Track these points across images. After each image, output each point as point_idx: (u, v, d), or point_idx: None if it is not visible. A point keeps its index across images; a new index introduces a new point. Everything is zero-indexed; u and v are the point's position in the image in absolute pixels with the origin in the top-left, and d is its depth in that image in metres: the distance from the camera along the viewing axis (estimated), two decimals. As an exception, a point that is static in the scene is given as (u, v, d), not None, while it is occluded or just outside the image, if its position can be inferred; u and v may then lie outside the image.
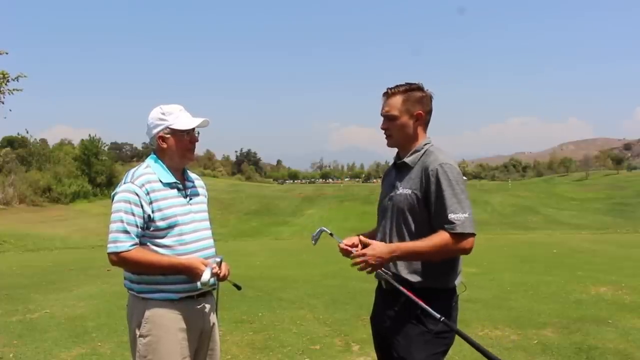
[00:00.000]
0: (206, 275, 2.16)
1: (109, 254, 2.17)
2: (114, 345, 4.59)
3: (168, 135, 2.29)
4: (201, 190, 2.47)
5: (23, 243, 19.97)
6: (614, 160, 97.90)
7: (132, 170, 2.30)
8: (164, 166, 2.30)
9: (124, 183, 2.23)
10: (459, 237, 2.06)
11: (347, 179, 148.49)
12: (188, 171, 2.46)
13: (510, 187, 72.56)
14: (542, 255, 10.58)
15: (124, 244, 2.13)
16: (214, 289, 2.37)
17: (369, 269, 2.12)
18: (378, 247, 2.13)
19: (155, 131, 2.30)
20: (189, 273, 2.17)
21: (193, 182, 2.44)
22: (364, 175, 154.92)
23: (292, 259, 10.95)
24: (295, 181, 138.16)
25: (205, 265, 2.16)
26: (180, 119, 2.29)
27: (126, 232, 2.14)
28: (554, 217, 41.00)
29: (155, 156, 2.33)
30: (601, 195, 55.35)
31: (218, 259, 2.29)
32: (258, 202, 56.00)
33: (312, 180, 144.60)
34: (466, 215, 2.07)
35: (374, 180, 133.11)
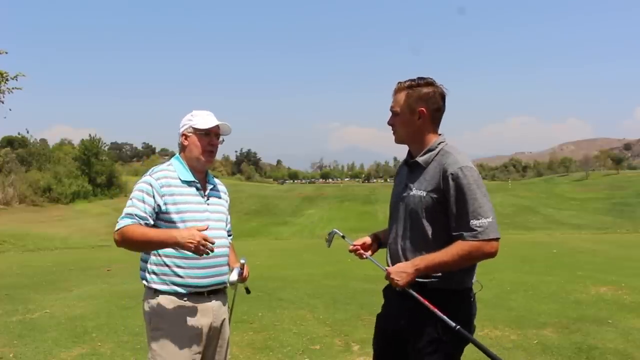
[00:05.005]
0: (234, 276, 2.36)
1: (114, 236, 2.25)
2: (114, 345, 4.59)
3: (190, 134, 2.42)
4: (222, 195, 2.58)
5: (23, 243, 19.94)
6: (614, 160, 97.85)
7: (155, 166, 2.46)
8: (185, 165, 2.43)
9: (144, 176, 2.39)
10: (483, 243, 2.00)
11: (347, 179, 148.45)
12: (211, 175, 2.56)
13: (510, 187, 72.53)
14: (542, 255, 10.59)
15: (125, 221, 2.23)
16: (225, 287, 2.46)
17: (400, 285, 2.08)
18: (401, 264, 2.12)
19: (181, 130, 2.46)
20: (185, 238, 2.12)
21: (215, 185, 2.54)
22: (364, 175, 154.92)
23: (292, 259, 10.96)
24: (295, 181, 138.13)
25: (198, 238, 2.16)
26: (204, 120, 2.41)
27: (131, 214, 2.24)
28: (554, 217, 40.98)
29: (178, 156, 2.48)
30: (601, 195, 55.34)
31: (242, 261, 2.44)
32: (258, 202, 56.01)
33: (312, 180, 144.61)
34: (489, 220, 2.01)
35: (374, 180, 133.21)
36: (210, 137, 2.42)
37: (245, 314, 5.59)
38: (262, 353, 4.39)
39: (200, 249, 2.12)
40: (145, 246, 2.28)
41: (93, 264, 10.27)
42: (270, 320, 5.39)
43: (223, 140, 2.50)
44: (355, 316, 5.42)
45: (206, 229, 2.18)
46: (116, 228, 2.23)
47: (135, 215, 2.23)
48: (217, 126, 2.43)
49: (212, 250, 2.16)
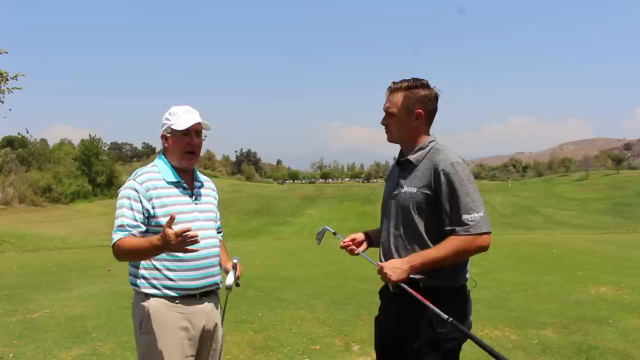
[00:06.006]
0: (230, 279, 2.30)
1: (112, 250, 2.22)
2: (114, 345, 4.59)
3: (169, 135, 2.33)
4: (210, 192, 2.49)
5: (23, 243, 19.96)
6: (614, 160, 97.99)
7: (139, 168, 2.37)
8: (170, 165, 2.34)
9: (128, 181, 2.30)
10: (475, 236, 2.03)
11: (347, 179, 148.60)
12: (198, 172, 2.48)
13: (510, 187, 72.72)
14: (542, 255, 10.57)
15: (117, 235, 2.18)
16: (217, 288, 2.40)
17: (393, 280, 2.07)
18: (396, 260, 2.12)
19: (161, 130, 2.36)
20: (164, 241, 1.99)
21: (202, 183, 2.46)
22: (364, 175, 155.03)
23: (292, 259, 10.95)
24: (295, 181, 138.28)
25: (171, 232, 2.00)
26: (181, 120, 2.30)
27: (122, 226, 2.19)
28: (554, 217, 41.04)
29: (162, 156, 2.39)
30: (601, 195, 55.43)
31: (235, 260, 2.38)
32: (258, 202, 56.09)
33: (312, 180, 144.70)
34: (481, 214, 2.04)
35: (374, 180, 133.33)
36: (189, 136, 2.30)
37: (245, 314, 5.59)
38: (262, 353, 4.39)
39: (180, 245, 1.95)
40: (139, 258, 2.23)
41: (93, 264, 10.27)
42: (270, 320, 5.39)
43: (205, 137, 2.39)
44: (355, 316, 5.41)
45: (173, 219, 1.97)
46: (111, 243, 2.19)
47: (127, 225, 2.17)
48: (199, 123, 2.31)
49: (196, 238, 1.96)
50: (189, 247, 1.98)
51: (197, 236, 1.97)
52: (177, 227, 2.03)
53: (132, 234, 2.17)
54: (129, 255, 2.20)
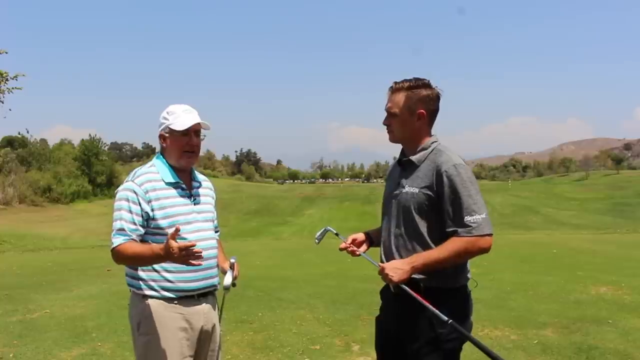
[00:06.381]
0: (228, 280, 2.30)
1: (111, 254, 2.20)
2: (114, 345, 4.59)
3: (167, 135, 2.30)
4: (208, 192, 2.47)
5: (23, 243, 19.97)
6: (614, 160, 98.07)
7: (137, 168, 2.33)
8: (168, 166, 2.31)
9: (126, 181, 2.26)
10: (477, 238, 2.03)
11: (347, 179, 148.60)
12: (196, 172, 2.46)
13: (510, 187, 72.79)
14: (542, 255, 10.57)
15: (118, 239, 2.16)
16: (215, 289, 2.39)
17: (395, 281, 2.07)
18: (397, 261, 2.12)
19: (159, 130, 2.32)
20: (166, 252, 1.98)
21: (200, 183, 2.43)
22: (364, 175, 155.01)
23: (292, 259, 10.95)
24: (295, 181, 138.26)
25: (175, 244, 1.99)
26: (180, 119, 2.27)
27: (122, 229, 2.16)
28: (554, 217, 41.07)
29: (161, 155, 2.35)
30: (601, 195, 55.47)
31: (232, 260, 2.37)
32: (258, 202, 56.12)
33: (312, 180, 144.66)
34: (483, 216, 2.04)
35: (374, 180, 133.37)
36: (189, 136, 2.27)
37: (245, 314, 5.59)
38: (262, 353, 4.39)
39: (184, 258, 1.95)
40: (139, 265, 2.21)
41: (93, 264, 10.26)
42: (270, 320, 5.39)
43: (204, 137, 2.35)
44: (355, 316, 5.42)
45: (178, 230, 1.96)
46: (110, 247, 2.17)
47: (126, 229, 2.15)
48: (198, 123, 2.27)
49: (199, 253, 1.97)
50: (192, 262, 1.98)
51: (201, 252, 1.98)
52: (182, 230, 2.05)
53: (132, 239, 2.15)
54: (130, 261, 2.19)
